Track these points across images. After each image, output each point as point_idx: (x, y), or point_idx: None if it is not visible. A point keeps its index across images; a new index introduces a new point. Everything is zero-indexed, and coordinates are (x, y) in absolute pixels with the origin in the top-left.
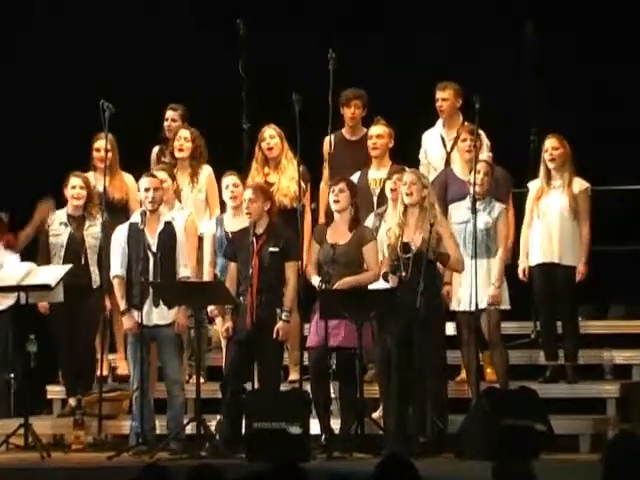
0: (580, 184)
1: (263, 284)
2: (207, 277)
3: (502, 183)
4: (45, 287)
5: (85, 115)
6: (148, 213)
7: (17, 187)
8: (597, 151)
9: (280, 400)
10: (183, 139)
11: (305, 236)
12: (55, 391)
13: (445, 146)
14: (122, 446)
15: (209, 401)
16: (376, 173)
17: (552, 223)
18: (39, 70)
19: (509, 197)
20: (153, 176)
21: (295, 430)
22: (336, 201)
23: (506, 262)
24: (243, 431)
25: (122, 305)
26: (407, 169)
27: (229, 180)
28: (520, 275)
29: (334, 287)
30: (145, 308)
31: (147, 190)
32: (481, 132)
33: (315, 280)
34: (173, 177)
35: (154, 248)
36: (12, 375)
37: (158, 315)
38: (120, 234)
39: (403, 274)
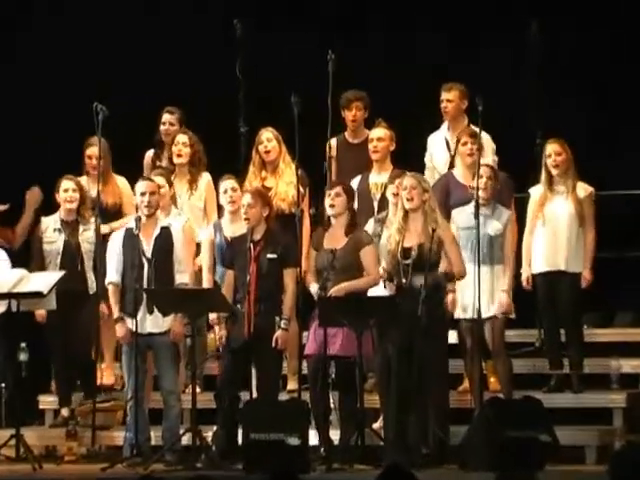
0: (584, 189)
1: (261, 292)
2: (206, 284)
3: (504, 187)
4: (37, 294)
5: (83, 117)
6: (144, 218)
7: (15, 187)
8: (600, 153)
9: (278, 410)
10: (181, 144)
11: (304, 242)
12: (47, 401)
13: (449, 149)
14: (116, 457)
15: (205, 411)
16: (377, 177)
17: (558, 229)
18: (39, 70)
19: (512, 202)
20: (150, 180)
21: (294, 441)
22: (332, 205)
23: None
24: (239, 441)
25: (115, 312)
26: (407, 173)
27: (227, 184)
28: (524, 284)
29: (330, 293)
30: (139, 315)
31: (143, 194)
32: (487, 135)
33: (313, 288)
34: (170, 183)
35: (149, 254)
36: (3, 385)
37: (152, 323)
38: (116, 240)
39: (403, 280)
